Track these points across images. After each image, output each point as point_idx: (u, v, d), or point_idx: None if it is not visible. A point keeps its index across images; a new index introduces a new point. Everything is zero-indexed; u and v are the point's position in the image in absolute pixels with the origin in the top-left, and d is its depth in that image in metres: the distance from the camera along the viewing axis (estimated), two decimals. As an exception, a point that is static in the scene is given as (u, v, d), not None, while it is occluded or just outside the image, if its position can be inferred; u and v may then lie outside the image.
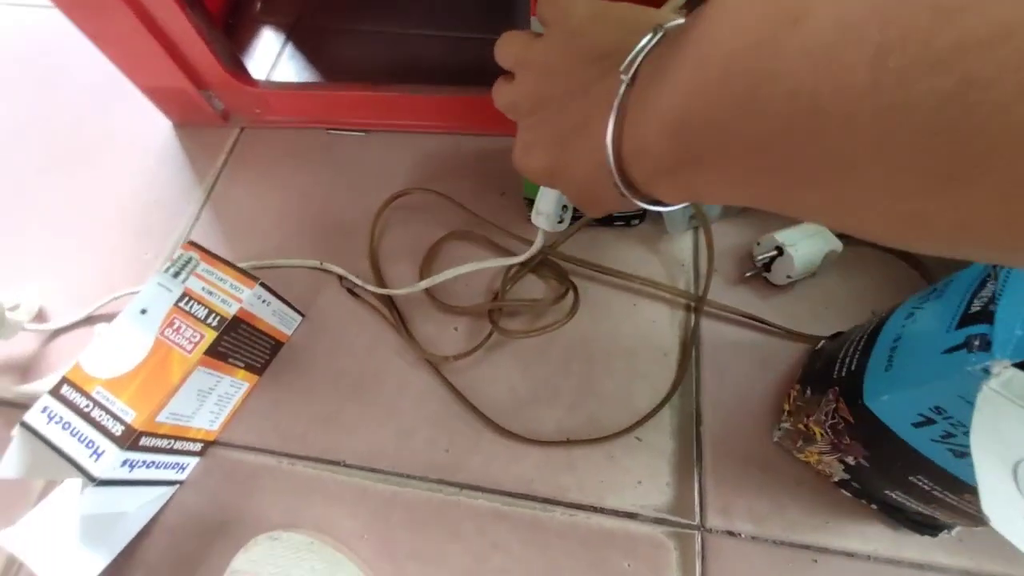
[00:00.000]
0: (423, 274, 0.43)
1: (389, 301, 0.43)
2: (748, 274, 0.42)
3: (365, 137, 0.51)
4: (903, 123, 0.10)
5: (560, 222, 0.31)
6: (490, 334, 0.40)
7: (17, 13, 0.63)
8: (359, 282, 0.43)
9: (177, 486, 0.37)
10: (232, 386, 0.38)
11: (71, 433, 0.32)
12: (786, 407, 0.36)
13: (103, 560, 0.34)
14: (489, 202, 0.46)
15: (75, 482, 0.32)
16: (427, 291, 0.43)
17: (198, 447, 0.38)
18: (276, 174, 0.50)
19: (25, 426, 0.32)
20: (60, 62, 0.59)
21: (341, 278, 0.44)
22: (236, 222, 0.48)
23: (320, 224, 0.47)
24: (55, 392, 0.33)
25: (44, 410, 0.33)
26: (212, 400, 0.37)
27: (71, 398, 0.33)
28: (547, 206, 0.31)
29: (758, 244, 0.42)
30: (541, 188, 0.30)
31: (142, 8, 0.41)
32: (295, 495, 0.37)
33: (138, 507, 0.36)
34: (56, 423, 0.32)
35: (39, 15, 0.63)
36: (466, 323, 0.42)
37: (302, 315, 0.43)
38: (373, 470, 0.37)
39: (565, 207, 0.31)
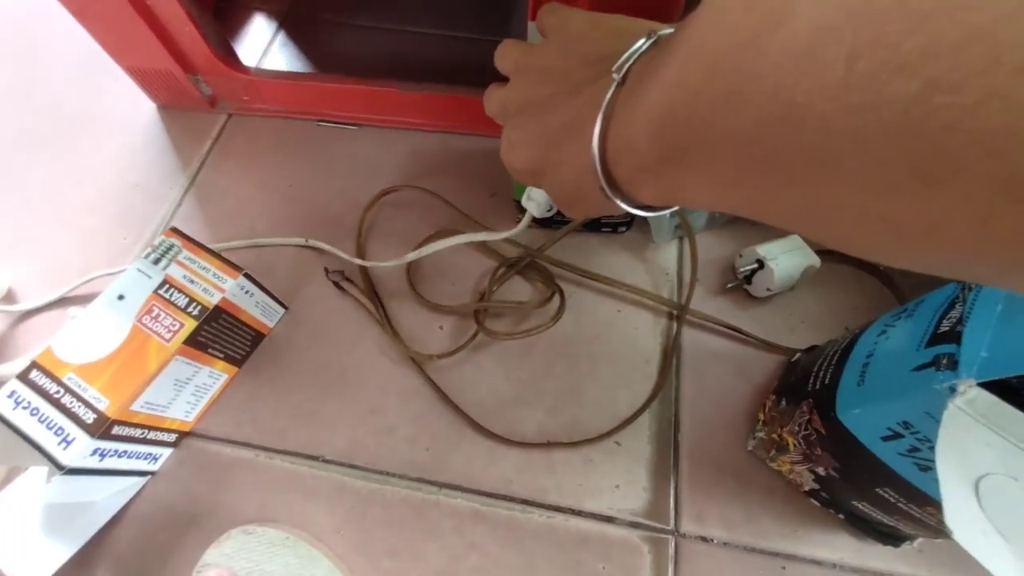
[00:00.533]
0: (411, 271, 0.43)
1: (375, 296, 0.42)
2: (729, 285, 0.43)
3: (355, 131, 0.51)
4: (875, 122, 0.10)
5: (549, 210, 0.32)
6: (475, 334, 0.40)
7: (-4, -18, 0.61)
8: (345, 256, 0.43)
9: (149, 477, 0.37)
10: (210, 377, 0.38)
11: (39, 419, 0.31)
12: (761, 417, 0.37)
13: (68, 550, 0.33)
14: (478, 202, 0.47)
15: (40, 469, 0.31)
16: (413, 288, 0.43)
17: (172, 438, 0.37)
18: (263, 164, 0.49)
19: (-9, 411, 0.31)
20: (40, 34, 0.57)
21: (327, 271, 0.43)
22: (220, 211, 0.47)
23: (307, 217, 0.47)
24: (23, 376, 0.32)
25: (11, 395, 0.32)
26: (189, 390, 0.36)
27: (40, 383, 0.32)
28: (539, 194, 0.31)
29: (740, 256, 0.43)
30: None
31: (130, -14, 0.41)
32: (271, 489, 0.36)
33: (107, 497, 0.35)
34: (24, 408, 0.31)
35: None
36: (451, 322, 0.42)
37: (285, 308, 0.42)
38: (352, 466, 0.37)
39: None
